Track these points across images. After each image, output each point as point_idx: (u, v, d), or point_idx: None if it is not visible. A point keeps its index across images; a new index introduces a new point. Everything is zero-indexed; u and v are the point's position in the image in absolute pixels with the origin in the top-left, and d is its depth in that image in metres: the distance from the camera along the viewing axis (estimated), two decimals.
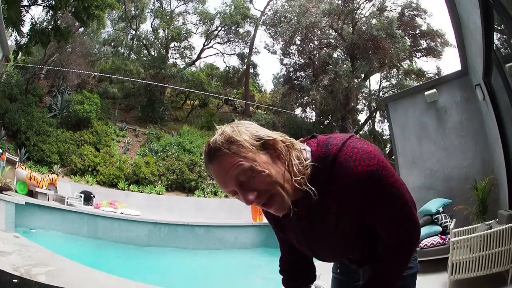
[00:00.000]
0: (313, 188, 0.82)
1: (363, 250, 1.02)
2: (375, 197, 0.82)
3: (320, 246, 0.99)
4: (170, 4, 20.71)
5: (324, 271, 1.57)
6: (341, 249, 1.01)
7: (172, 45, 20.59)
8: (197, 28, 21.04)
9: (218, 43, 21.47)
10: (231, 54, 21.86)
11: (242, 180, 0.80)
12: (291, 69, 21.82)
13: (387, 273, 0.93)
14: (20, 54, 13.96)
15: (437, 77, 15.33)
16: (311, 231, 0.93)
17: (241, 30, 21.00)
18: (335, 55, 19.35)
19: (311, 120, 22.20)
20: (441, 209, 4.82)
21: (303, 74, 21.21)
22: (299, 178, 0.82)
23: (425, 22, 17.88)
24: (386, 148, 22.57)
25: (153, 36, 20.14)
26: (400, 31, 16.57)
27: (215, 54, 21.97)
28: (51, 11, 13.26)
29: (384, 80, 22.19)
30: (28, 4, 12.97)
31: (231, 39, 21.35)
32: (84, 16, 12.62)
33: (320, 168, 0.83)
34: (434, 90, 5.58)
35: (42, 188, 8.43)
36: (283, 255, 1.18)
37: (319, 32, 19.83)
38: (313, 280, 1.18)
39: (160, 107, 18.10)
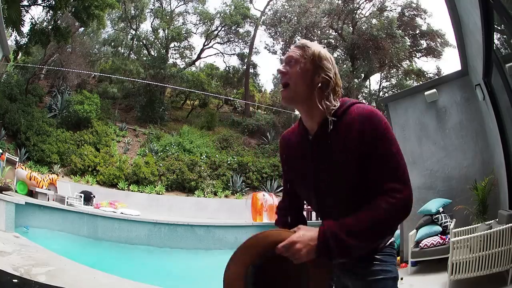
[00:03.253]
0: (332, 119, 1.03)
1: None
2: (375, 134, 0.96)
3: (324, 178, 1.06)
4: (170, 4, 20.76)
5: None
6: (339, 189, 1.04)
7: (172, 45, 20.59)
8: (197, 28, 21.09)
9: (218, 43, 21.49)
10: (231, 54, 21.88)
11: (289, 60, 1.09)
12: None
13: (365, 217, 0.94)
14: (20, 54, 13.97)
15: (437, 77, 15.34)
16: (320, 158, 1.06)
17: (241, 30, 21.02)
18: (335, 55, 19.35)
19: None
20: (441, 209, 4.83)
21: None
22: (323, 102, 1.04)
23: (425, 22, 17.91)
24: None
25: (153, 36, 20.14)
26: (400, 31, 16.58)
27: (215, 54, 22.01)
28: (51, 11, 13.27)
29: (384, 80, 22.21)
30: (28, 4, 12.98)
31: (231, 39, 21.36)
32: (84, 16, 12.62)
33: (339, 108, 1.04)
34: (434, 90, 5.57)
35: (42, 188, 8.43)
36: (284, 199, 1.32)
37: (319, 32, 19.84)
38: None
39: (160, 107, 18.10)
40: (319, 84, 1.04)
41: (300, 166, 1.14)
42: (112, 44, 19.58)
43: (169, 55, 20.55)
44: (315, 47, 1.08)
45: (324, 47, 1.11)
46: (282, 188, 1.44)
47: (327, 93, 1.04)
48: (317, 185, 1.09)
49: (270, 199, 9.85)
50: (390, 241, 1.11)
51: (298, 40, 1.21)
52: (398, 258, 5.43)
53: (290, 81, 1.06)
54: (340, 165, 1.01)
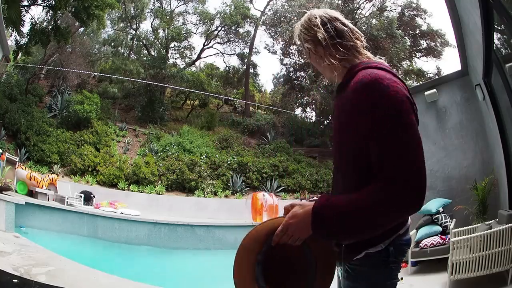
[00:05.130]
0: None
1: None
2: (375, 109, 0.85)
3: (335, 138, 1.05)
4: (170, 4, 20.76)
5: None
6: (340, 149, 1.01)
7: (172, 45, 20.59)
8: (197, 28, 21.09)
9: (218, 43, 21.50)
10: (231, 54, 21.88)
11: (304, 52, 1.16)
12: (291, 69, 21.84)
13: (354, 200, 0.85)
14: (20, 54, 13.97)
15: (437, 77, 15.34)
16: (335, 116, 1.06)
17: (241, 30, 21.02)
18: None
19: (311, 120, 22.22)
20: (441, 209, 4.83)
21: (303, 74, 21.23)
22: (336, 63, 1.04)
23: (425, 22, 17.92)
24: None
25: (153, 36, 20.14)
26: (400, 31, 16.58)
27: (215, 54, 22.02)
28: (51, 11, 13.26)
29: None
30: (28, 4, 12.98)
31: (231, 39, 21.36)
32: (84, 16, 12.62)
33: (350, 70, 1.02)
34: (434, 90, 5.58)
35: (42, 188, 8.43)
36: None
37: None
38: None
39: (160, 107, 18.10)
40: (323, 50, 1.06)
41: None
42: (112, 44, 19.57)
43: (169, 55, 20.56)
44: (299, 24, 1.13)
45: (313, 9, 1.15)
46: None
47: (331, 51, 1.04)
48: (333, 136, 1.08)
49: (270, 199, 9.85)
50: (386, 246, 0.93)
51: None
52: None
53: (315, 66, 1.15)
54: (344, 129, 0.97)
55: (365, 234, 0.89)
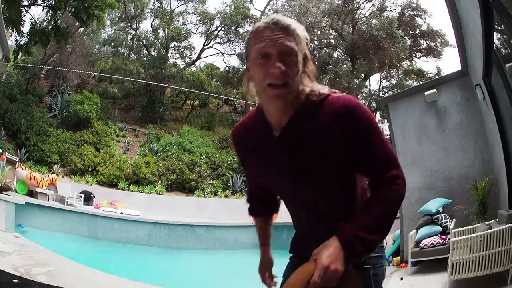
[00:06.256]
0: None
1: (333, 210, 1.01)
2: (360, 126, 0.91)
3: (300, 173, 0.98)
4: (170, 4, 20.73)
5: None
6: (321, 181, 0.99)
7: (172, 45, 20.58)
8: (197, 28, 21.07)
9: (218, 43, 21.48)
10: (231, 54, 21.87)
11: (284, 53, 0.89)
12: None
13: (378, 210, 0.91)
14: (20, 54, 13.98)
15: (437, 77, 15.34)
16: (293, 153, 0.96)
17: (241, 30, 21.00)
18: (335, 55, 19.36)
19: None
20: (441, 209, 4.83)
21: None
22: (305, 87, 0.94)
23: (425, 22, 17.88)
24: None
25: (153, 36, 20.14)
26: (400, 31, 16.57)
27: (215, 54, 21.99)
28: (51, 11, 13.26)
29: (384, 80, 22.19)
30: (28, 4, 12.98)
31: (231, 39, 21.35)
32: (84, 16, 12.62)
33: (316, 98, 0.94)
34: (434, 90, 5.58)
35: (42, 188, 8.43)
36: (252, 190, 1.30)
37: (319, 32, 19.82)
38: (277, 211, 1.31)
39: (160, 107, 18.10)
40: (305, 68, 0.94)
41: (268, 163, 1.03)
42: (112, 44, 19.56)
43: (169, 55, 20.54)
44: (300, 27, 0.94)
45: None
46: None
47: (309, 72, 0.96)
48: (293, 180, 1.01)
49: None
50: None
51: (272, 17, 0.93)
52: (398, 258, 5.43)
53: (290, 79, 0.89)
54: (320, 158, 0.94)
55: (387, 233, 0.96)
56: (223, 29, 20.78)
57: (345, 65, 17.33)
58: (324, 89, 0.95)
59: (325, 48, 19.89)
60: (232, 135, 1.16)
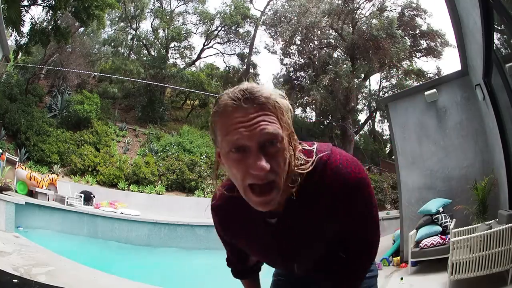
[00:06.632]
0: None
1: (327, 259, 1.00)
2: (360, 203, 0.84)
3: (291, 251, 0.93)
4: (170, 4, 20.74)
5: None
6: (313, 257, 0.98)
7: (172, 45, 20.59)
8: (197, 28, 21.07)
9: (218, 43, 21.49)
10: (231, 54, 21.88)
11: (266, 143, 0.69)
12: (291, 69, 21.84)
13: (352, 278, 0.94)
14: (20, 54, 13.97)
15: (437, 77, 15.34)
16: (289, 236, 0.87)
17: (241, 30, 21.02)
18: (335, 55, 19.37)
19: (311, 120, 22.23)
20: (441, 209, 4.83)
21: (303, 74, 21.24)
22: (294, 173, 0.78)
23: (425, 22, 17.90)
24: (386, 148, 22.61)
25: (153, 36, 20.14)
26: (400, 31, 16.57)
27: (215, 54, 22.01)
28: (51, 11, 13.25)
29: (384, 80, 22.22)
30: (28, 4, 12.97)
31: (231, 39, 21.36)
32: (84, 16, 12.61)
33: (310, 172, 0.78)
34: (434, 90, 5.58)
35: (42, 188, 8.43)
36: (232, 257, 1.16)
37: (319, 32, 19.84)
38: (259, 270, 1.21)
39: (160, 107, 18.10)
40: (291, 148, 0.76)
41: (259, 243, 0.94)
42: (112, 44, 19.57)
43: (169, 55, 20.55)
44: (277, 94, 0.74)
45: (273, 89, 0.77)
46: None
47: (296, 146, 0.80)
48: (287, 259, 0.96)
49: None
50: None
51: (240, 91, 0.71)
52: (398, 258, 5.43)
53: (278, 176, 0.72)
54: (318, 239, 0.89)
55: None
56: (223, 29, 20.78)
57: (345, 65, 17.33)
58: (318, 159, 0.79)
59: (325, 48, 19.90)
60: (214, 212, 1.00)
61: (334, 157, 0.81)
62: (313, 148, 0.83)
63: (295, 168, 0.77)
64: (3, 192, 6.23)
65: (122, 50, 20.27)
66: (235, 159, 0.71)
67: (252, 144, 0.68)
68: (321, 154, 0.81)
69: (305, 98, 21.09)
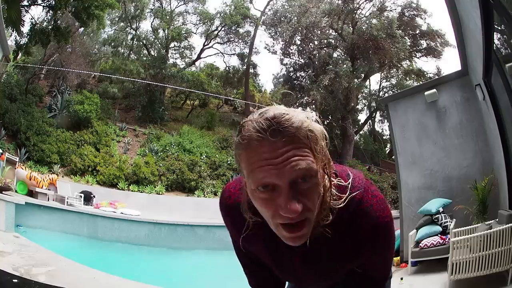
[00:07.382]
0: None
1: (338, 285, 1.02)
2: (382, 244, 0.84)
3: (309, 278, 0.92)
4: (170, 4, 20.73)
5: None
6: (327, 284, 0.98)
7: (172, 45, 20.59)
8: (197, 28, 21.07)
9: (218, 43, 21.48)
10: (231, 54, 21.87)
11: (298, 180, 0.63)
12: (291, 69, 21.86)
13: None
14: (20, 54, 13.95)
15: (437, 77, 15.34)
16: (308, 266, 0.86)
17: (241, 30, 21.01)
18: (335, 55, 19.36)
19: None
20: (441, 209, 4.83)
21: (303, 74, 21.25)
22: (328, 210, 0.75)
23: (425, 22, 17.91)
24: (386, 148, 22.61)
25: (153, 36, 20.14)
26: (400, 31, 16.58)
27: (215, 54, 21.99)
28: (51, 11, 13.25)
29: (384, 80, 22.23)
30: (28, 4, 12.97)
31: (231, 39, 21.35)
32: (84, 16, 12.62)
33: (341, 208, 0.75)
34: (434, 90, 5.58)
35: (42, 188, 8.43)
36: (251, 281, 1.13)
37: (319, 32, 19.84)
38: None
39: (160, 107, 18.11)
40: (326, 180, 0.72)
41: (271, 259, 0.91)
42: (112, 44, 19.58)
43: (169, 55, 20.55)
44: (314, 125, 0.67)
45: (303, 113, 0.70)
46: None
47: (331, 186, 0.74)
48: (306, 284, 0.96)
49: None
50: None
51: (267, 120, 0.62)
52: (398, 258, 5.43)
53: (311, 214, 0.67)
54: (340, 269, 0.89)
55: None
56: (223, 29, 20.78)
57: (345, 65, 17.33)
58: (346, 192, 0.76)
59: (325, 48, 19.90)
60: (223, 208, 0.96)
61: (367, 196, 0.79)
62: (348, 184, 0.78)
63: (329, 202, 0.74)
64: (3, 192, 6.23)
65: (122, 50, 20.28)
66: (263, 198, 0.65)
67: (282, 183, 0.62)
68: (355, 193, 0.77)
69: (305, 98, 21.08)
